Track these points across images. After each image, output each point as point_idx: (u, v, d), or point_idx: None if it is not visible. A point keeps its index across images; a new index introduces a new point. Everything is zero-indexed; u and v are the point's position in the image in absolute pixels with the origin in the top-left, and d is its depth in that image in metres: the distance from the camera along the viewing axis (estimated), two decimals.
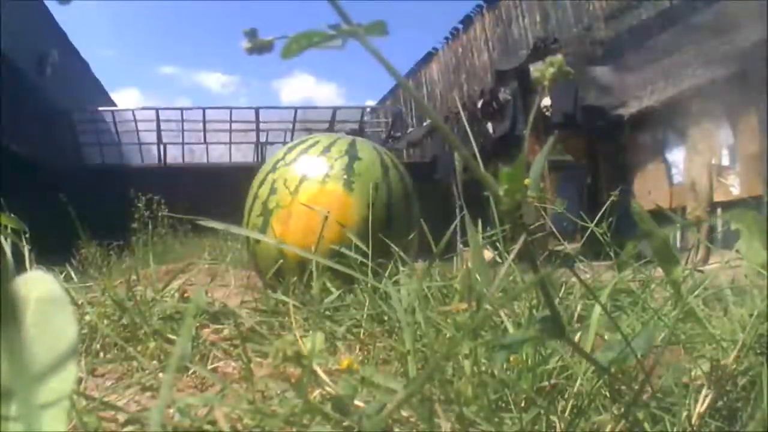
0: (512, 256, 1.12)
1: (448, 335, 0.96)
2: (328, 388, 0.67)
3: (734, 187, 7.38)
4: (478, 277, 1.08)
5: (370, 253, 1.40)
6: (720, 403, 0.73)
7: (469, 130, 1.20)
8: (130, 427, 0.71)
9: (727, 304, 1.07)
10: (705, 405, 0.68)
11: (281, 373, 0.73)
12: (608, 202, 1.73)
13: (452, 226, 1.23)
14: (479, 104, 11.43)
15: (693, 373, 0.76)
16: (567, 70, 0.50)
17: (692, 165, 7.90)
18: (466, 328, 0.83)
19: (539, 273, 0.44)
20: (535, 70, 0.51)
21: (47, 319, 0.44)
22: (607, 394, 0.73)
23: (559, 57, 0.51)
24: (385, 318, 1.12)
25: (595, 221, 1.60)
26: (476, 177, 0.44)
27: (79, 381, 0.73)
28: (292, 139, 16.37)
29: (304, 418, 0.65)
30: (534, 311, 0.91)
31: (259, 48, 0.51)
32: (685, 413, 0.66)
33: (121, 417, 0.73)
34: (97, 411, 0.69)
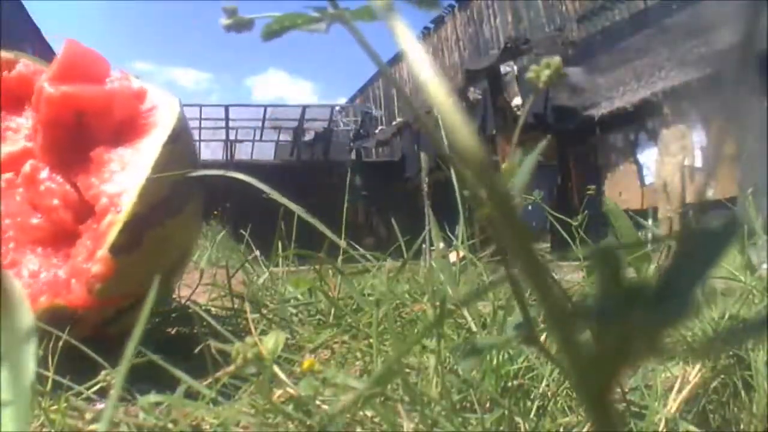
0: (482, 256, 1.12)
1: (411, 334, 0.96)
2: (290, 389, 0.66)
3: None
4: (442, 277, 1.08)
5: (341, 245, 1.39)
6: (690, 405, 0.73)
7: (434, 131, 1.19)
8: (95, 426, 0.70)
9: (701, 303, 1.07)
10: (675, 407, 0.68)
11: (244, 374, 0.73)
12: (583, 201, 1.73)
13: (423, 235, 1.22)
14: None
15: (663, 375, 0.76)
16: (563, 73, 0.49)
17: (664, 166, 7.94)
18: (426, 326, 0.82)
19: (513, 276, 0.43)
20: (531, 70, 0.50)
21: (4, 314, 0.43)
22: (574, 395, 0.72)
23: (556, 59, 0.49)
24: (349, 319, 1.12)
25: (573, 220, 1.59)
26: (457, 179, 0.43)
27: (45, 379, 0.72)
28: (261, 137, 16.30)
29: (267, 419, 0.64)
30: (499, 311, 0.90)
31: (239, 25, 0.49)
32: (655, 415, 0.66)
33: (89, 415, 0.72)
34: (63, 409, 0.68)
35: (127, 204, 0.92)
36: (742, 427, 0.73)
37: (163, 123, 1.02)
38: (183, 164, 1.00)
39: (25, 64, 1.11)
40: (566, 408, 0.72)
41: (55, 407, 0.68)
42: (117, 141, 1.00)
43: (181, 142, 1.02)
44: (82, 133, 1.01)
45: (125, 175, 0.96)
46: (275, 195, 0.98)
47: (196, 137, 14.70)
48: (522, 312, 0.46)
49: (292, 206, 0.98)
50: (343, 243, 1.31)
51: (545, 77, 0.48)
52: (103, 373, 0.71)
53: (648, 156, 8.47)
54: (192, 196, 1.07)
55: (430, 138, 0.41)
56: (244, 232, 1.74)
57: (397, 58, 15.48)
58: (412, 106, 0.46)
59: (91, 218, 0.96)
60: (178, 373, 0.67)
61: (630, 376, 0.74)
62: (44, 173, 1.01)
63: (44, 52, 12.66)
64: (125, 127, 1.02)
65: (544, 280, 0.25)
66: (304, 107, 15.35)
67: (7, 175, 1.03)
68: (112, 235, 0.91)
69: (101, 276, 0.89)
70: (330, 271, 1.37)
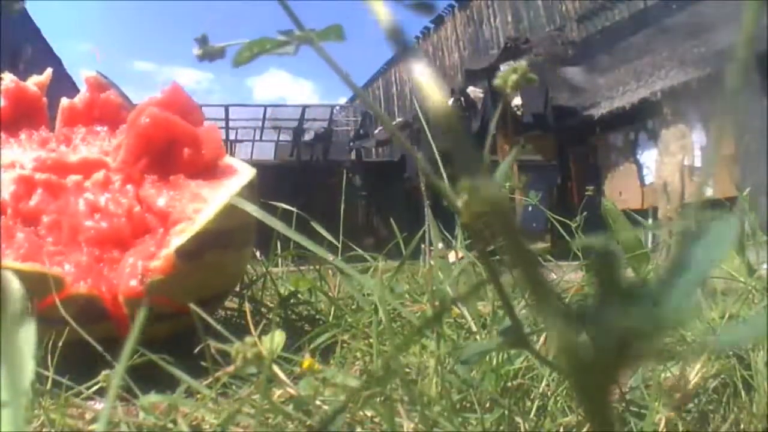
0: (473, 256, 1.11)
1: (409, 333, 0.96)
2: (290, 389, 0.66)
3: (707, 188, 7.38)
4: (441, 276, 1.08)
5: (339, 245, 1.39)
6: (690, 405, 0.73)
7: (428, 132, 1.18)
8: (95, 425, 0.70)
9: (699, 304, 1.07)
10: (675, 407, 0.68)
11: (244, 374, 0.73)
12: (583, 200, 1.73)
13: (421, 232, 1.22)
14: (449, 103, 11.41)
15: (663, 375, 0.76)
16: (531, 77, 0.49)
17: (664, 166, 7.92)
18: (424, 325, 0.82)
19: (497, 279, 0.43)
20: (498, 76, 0.50)
21: (4, 313, 0.43)
22: (574, 395, 0.72)
23: (522, 63, 0.49)
24: (349, 319, 1.11)
25: (572, 220, 1.58)
26: (434, 186, 0.43)
27: (45, 378, 0.72)
28: (261, 137, 16.29)
29: (267, 419, 0.64)
30: (499, 311, 0.90)
31: (210, 54, 0.50)
32: (655, 415, 0.66)
33: (88, 415, 0.72)
34: (63, 409, 0.68)
35: (202, 219, 0.97)
36: (742, 427, 0.73)
37: (242, 173, 1.09)
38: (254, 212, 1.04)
39: (114, 94, 1.23)
40: (566, 408, 0.72)
41: (55, 407, 0.68)
42: (199, 176, 1.06)
43: (255, 194, 1.09)
44: (168, 160, 1.07)
45: (203, 199, 1.01)
46: (251, 208, 0.98)
47: None
48: (509, 315, 0.46)
49: (271, 219, 0.99)
50: (338, 244, 1.31)
51: (512, 82, 0.48)
52: (103, 373, 0.71)
53: (648, 156, 8.45)
54: (250, 243, 1.15)
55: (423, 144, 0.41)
56: None
57: (396, 59, 15.48)
58: (388, 123, 0.46)
59: (148, 234, 1.00)
60: (178, 373, 0.67)
61: (630, 376, 0.74)
62: (116, 184, 1.06)
63: (44, 52, 12.66)
64: (209, 168, 1.08)
65: (539, 281, 0.25)
66: (304, 107, 15.33)
67: (75, 177, 1.07)
68: (182, 239, 0.94)
69: (160, 270, 0.92)
70: (330, 271, 1.37)
